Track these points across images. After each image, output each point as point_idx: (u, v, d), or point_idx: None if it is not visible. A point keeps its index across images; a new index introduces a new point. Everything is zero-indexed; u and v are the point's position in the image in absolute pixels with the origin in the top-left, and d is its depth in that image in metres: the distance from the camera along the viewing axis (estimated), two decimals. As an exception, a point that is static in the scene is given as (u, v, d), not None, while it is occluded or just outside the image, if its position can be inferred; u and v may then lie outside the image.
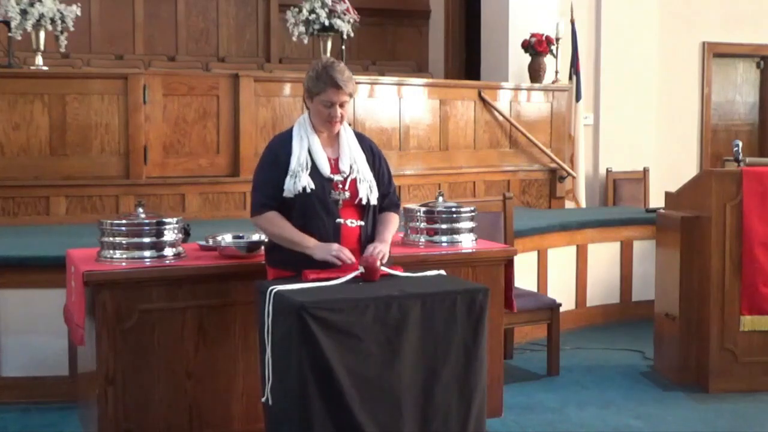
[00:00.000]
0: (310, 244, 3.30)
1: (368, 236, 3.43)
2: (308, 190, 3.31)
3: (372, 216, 3.47)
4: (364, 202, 3.40)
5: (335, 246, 3.28)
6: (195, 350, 3.59)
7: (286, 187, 3.33)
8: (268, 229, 3.40)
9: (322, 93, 3.38)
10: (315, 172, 3.36)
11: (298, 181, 3.32)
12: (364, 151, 3.50)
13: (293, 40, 7.43)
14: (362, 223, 3.41)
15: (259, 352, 3.26)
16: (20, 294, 4.33)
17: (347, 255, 3.26)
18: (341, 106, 3.39)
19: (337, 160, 3.43)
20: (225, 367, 3.64)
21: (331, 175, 3.38)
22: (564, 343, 5.31)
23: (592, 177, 8.21)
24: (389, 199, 3.57)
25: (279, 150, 3.42)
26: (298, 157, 3.36)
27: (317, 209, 3.33)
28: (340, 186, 3.38)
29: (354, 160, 3.44)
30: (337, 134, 3.48)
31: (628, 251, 6.38)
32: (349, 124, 3.62)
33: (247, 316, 3.60)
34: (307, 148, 3.39)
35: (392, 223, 3.55)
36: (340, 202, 3.37)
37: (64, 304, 3.97)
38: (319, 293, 3.05)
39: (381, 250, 3.34)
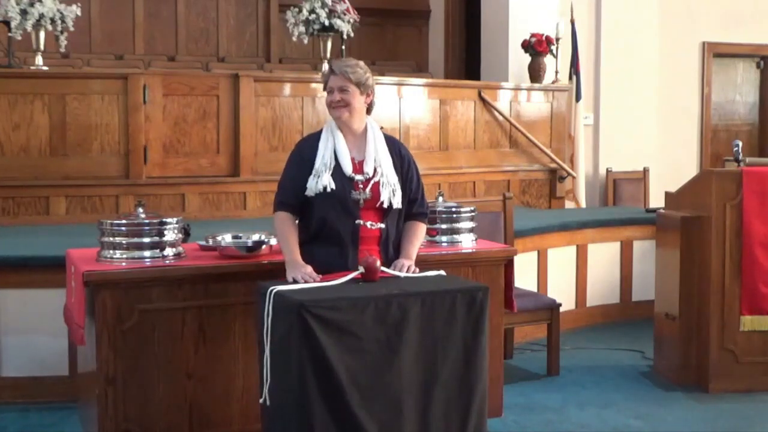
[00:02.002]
0: (288, 257, 3.34)
1: (389, 240, 3.44)
2: (329, 190, 3.33)
3: (396, 220, 3.48)
4: (386, 205, 3.40)
5: (306, 269, 3.25)
6: (195, 350, 3.58)
7: (308, 186, 3.36)
8: (275, 228, 3.45)
9: (326, 84, 3.48)
10: (337, 171, 3.39)
11: (320, 180, 3.35)
12: (392, 155, 3.50)
13: (293, 40, 7.43)
14: (382, 225, 3.41)
15: (258, 352, 3.26)
16: (20, 294, 4.32)
17: (313, 278, 3.22)
18: (341, 91, 3.42)
19: (362, 162, 3.44)
20: (225, 367, 3.64)
21: (353, 174, 3.40)
22: (564, 343, 5.31)
23: (592, 177, 8.21)
24: (418, 206, 3.57)
25: (305, 150, 3.47)
26: (323, 157, 3.40)
27: (337, 209, 3.35)
28: (361, 186, 3.39)
29: (379, 163, 3.44)
30: (364, 135, 3.49)
31: (628, 251, 6.38)
32: (381, 127, 3.64)
33: (247, 316, 3.60)
34: (332, 148, 3.43)
35: (417, 236, 3.56)
36: (361, 202, 3.38)
37: (64, 304, 3.97)
38: (319, 293, 3.06)
39: (406, 266, 3.38)
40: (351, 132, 3.49)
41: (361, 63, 3.52)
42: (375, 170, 3.43)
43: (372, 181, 3.41)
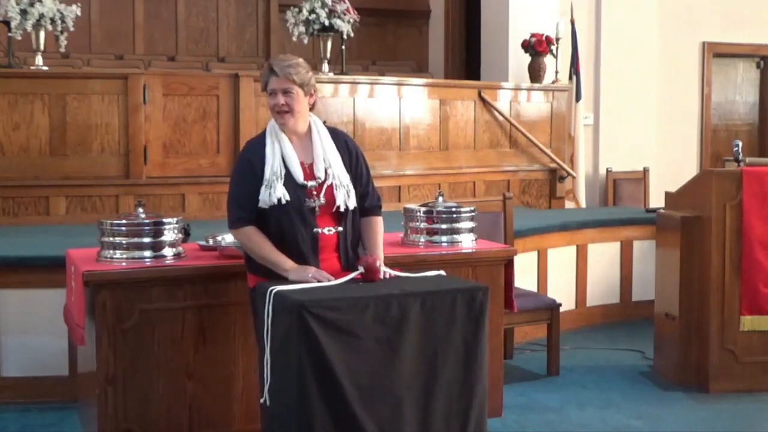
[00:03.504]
0: (286, 266, 3.22)
1: (348, 242, 3.37)
2: (284, 202, 3.23)
3: (352, 220, 3.38)
4: (342, 209, 3.32)
5: (311, 270, 3.21)
6: (195, 350, 3.58)
7: (261, 198, 3.25)
8: (246, 244, 3.33)
9: (267, 85, 3.33)
10: (289, 179, 3.27)
11: (273, 192, 3.23)
12: (339, 150, 3.39)
13: (293, 40, 7.42)
14: (340, 229, 3.34)
15: (258, 353, 3.26)
16: (20, 294, 4.33)
17: (324, 276, 3.20)
18: (285, 94, 3.29)
19: (311, 166, 3.33)
20: (225, 367, 3.64)
21: (305, 182, 3.29)
22: (564, 343, 5.31)
23: (592, 177, 8.21)
24: (370, 199, 3.46)
25: (253, 158, 3.32)
26: (272, 166, 3.27)
27: (293, 220, 3.26)
28: (315, 193, 3.29)
29: (329, 164, 3.33)
30: (309, 135, 3.39)
31: (628, 251, 6.38)
32: (324, 121, 3.52)
33: (247, 316, 3.59)
34: (280, 154, 3.30)
35: (379, 234, 3.47)
36: (317, 209, 3.29)
37: (64, 304, 3.97)
38: (319, 292, 3.05)
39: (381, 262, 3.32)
40: (295, 134, 3.36)
41: (301, 61, 3.37)
42: (326, 172, 3.32)
43: (325, 185, 3.31)
